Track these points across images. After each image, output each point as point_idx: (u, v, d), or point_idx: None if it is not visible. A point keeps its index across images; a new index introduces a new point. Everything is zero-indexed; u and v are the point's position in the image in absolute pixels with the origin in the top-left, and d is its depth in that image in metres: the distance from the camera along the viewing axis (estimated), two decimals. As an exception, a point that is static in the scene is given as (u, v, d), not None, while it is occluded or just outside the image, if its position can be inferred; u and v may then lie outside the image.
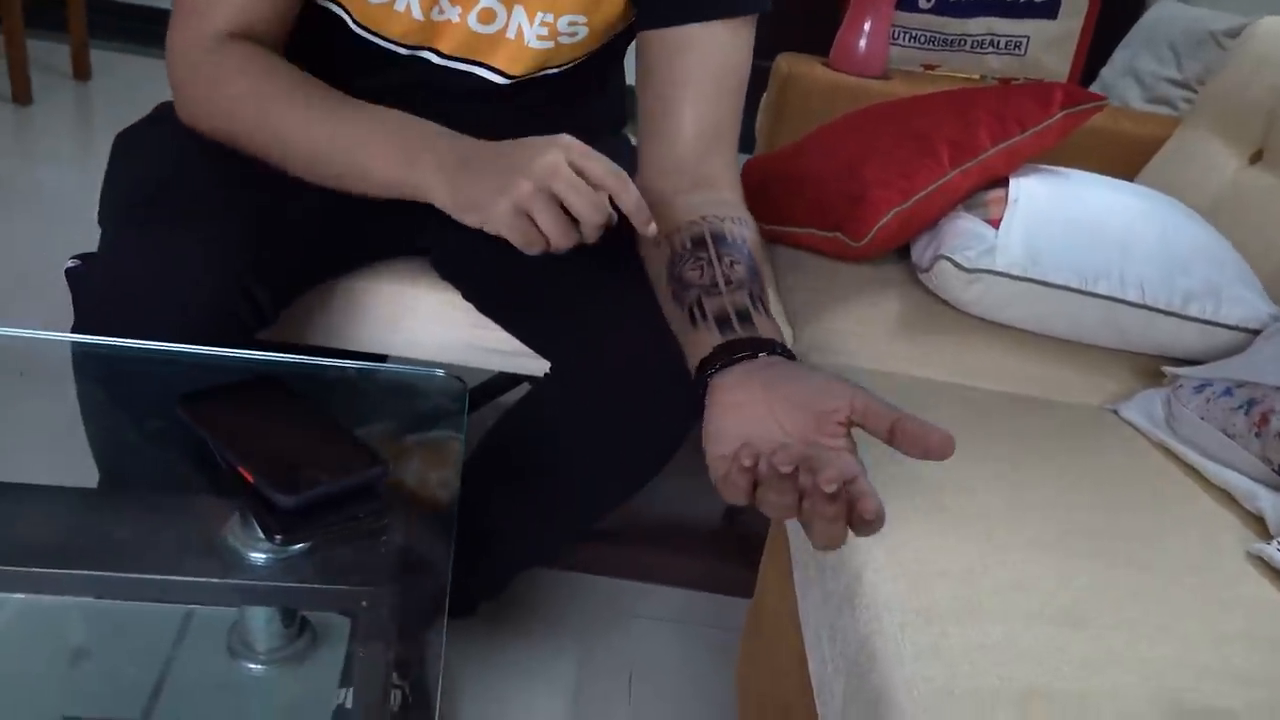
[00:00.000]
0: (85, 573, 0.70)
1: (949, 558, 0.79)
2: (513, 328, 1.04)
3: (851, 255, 1.33)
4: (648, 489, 1.01)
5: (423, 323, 1.09)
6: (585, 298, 0.95)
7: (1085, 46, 2.26)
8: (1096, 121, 1.42)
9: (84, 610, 0.81)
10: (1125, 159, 1.72)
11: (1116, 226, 1.24)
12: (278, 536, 0.66)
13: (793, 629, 0.92)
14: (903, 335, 1.22)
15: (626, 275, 0.91)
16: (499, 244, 0.80)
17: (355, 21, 0.96)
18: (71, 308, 0.84)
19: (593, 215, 0.77)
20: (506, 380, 1.48)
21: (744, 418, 0.68)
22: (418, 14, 0.94)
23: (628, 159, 0.95)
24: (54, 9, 3.00)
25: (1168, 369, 1.14)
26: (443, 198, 0.83)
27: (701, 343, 0.76)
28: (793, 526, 0.98)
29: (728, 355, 0.73)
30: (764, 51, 1.83)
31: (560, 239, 0.78)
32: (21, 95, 2.83)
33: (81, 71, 3.17)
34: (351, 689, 0.74)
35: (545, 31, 0.96)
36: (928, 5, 2.20)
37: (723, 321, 0.77)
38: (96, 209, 0.97)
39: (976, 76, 2.25)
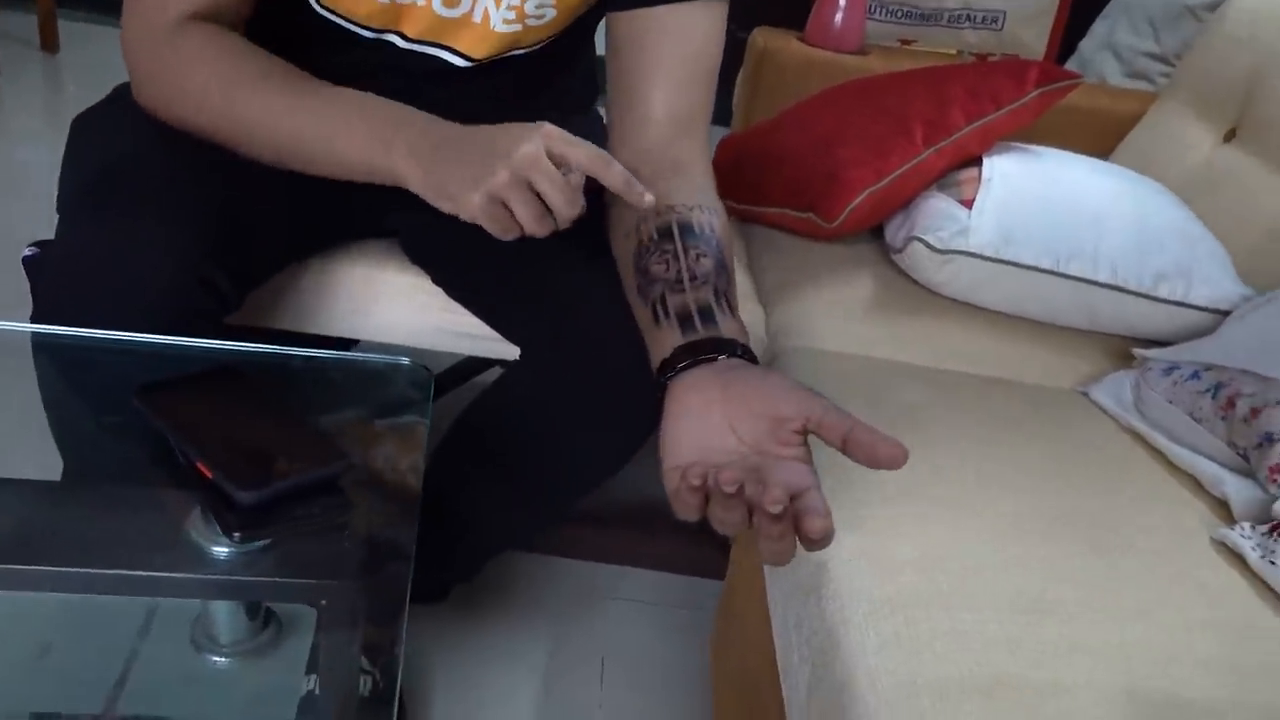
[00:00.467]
0: (47, 568, 0.69)
1: (916, 546, 0.79)
2: (482, 312, 1.03)
3: (825, 235, 1.33)
4: (621, 472, 1.01)
5: (392, 307, 1.08)
6: (554, 282, 0.94)
7: (1062, 21, 2.25)
8: (1073, 98, 1.42)
9: (47, 605, 0.80)
10: (1102, 135, 1.71)
11: (1090, 207, 1.24)
12: (236, 534, 0.65)
13: (763, 613, 0.92)
14: (875, 317, 1.22)
15: (595, 259, 0.91)
16: (468, 228, 0.79)
17: (319, 2, 0.94)
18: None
19: (567, 210, 0.76)
20: (478, 364, 1.47)
21: (699, 426, 0.68)
22: None
23: (600, 137, 0.94)
24: (20, -22, 2.96)
25: (1137, 351, 1.14)
26: (417, 183, 0.81)
27: (664, 342, 0.76)
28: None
29: (688, 357, 0.73)
30: (742, 22, 1.83)
31: (535, 228, 0.77)
32: (-13, 69, 2.79)
33: (49, 43, 3.11)
34: (317, 676, 0.74)
35: (512, 15, 0.94)
36: (904, -20, 2.19)
37: (685, 320, 0.76)
38: (65, 188, 0.95)
39: (953, 51, 2.24)
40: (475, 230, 0.79)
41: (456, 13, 0.94)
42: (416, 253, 1.07)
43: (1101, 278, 1.19)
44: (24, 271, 0.90)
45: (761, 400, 0.67)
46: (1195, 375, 1.01)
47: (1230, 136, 1.50)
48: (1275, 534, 0.82)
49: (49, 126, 2.68)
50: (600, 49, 1.06)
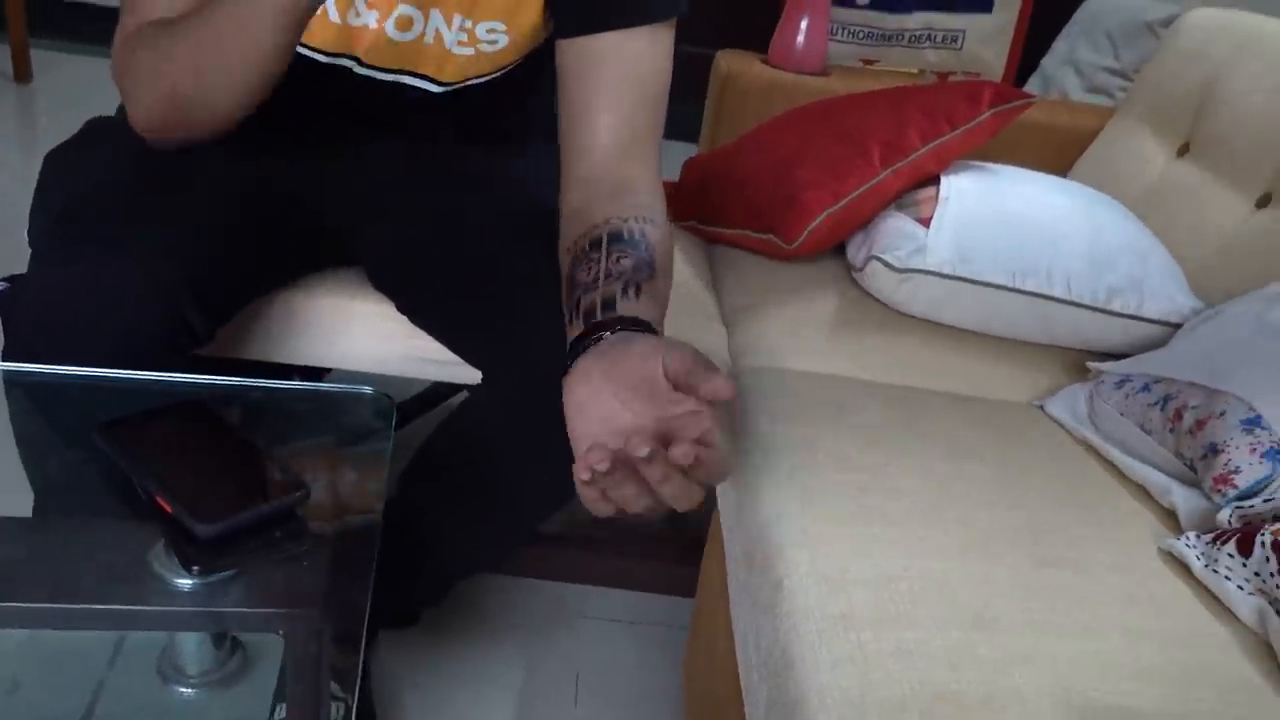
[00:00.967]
0: (14, 605, 0.70)
1: (870, 563, 0.80)
2: (445, 338, 1.05)
3: (785, 256, 1.35)
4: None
5: (359, 335, 1.09)
6: (512, 305, 0.96)
7: (1020, 40, 2.29)
8: (1035, 115, 1.45)
9: (14, 640, 0.81)
10: (1063, 150, 1.74)
11: (1045, 223, 1.27)
12: (196, 567, 0.66)
13: (729, 631, 0.93)
14: (838, 335, 1.24)
15: (552, 283, 0.92)
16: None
17: None
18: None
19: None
20: (445, 390, 1.49)
21: (591, 416, 0.68)
22: (334, 15, 0.94)
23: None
24: (-9, 8, 2.95)
25: (1091, 364, 1.17)
26: None
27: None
28: (728, 528, 1.00)
29: (577, 348, 0.73)
30: (707, 42, 1.85)
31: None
32: (-41, 99, 2.79)
33: (22, 73, 3.11)
34: (284, 704, 0.75)
35: (465, 37, 0.96)
36: (865, 1, 2.21)
37: (588, 315, 0.76)
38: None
39: (915, 71, 2.27)
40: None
41: (409, 35, 0.95)
42: (381, 281, 1.08)
43: (1057, 293, 1.22)
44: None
45: (633, 370, 0.67)
46: (1146, 388, 1.03)
47: (1184, 151, 1.53)
48: (1219, 542, 0.84)
49: (23, 157, 2.68)
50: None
